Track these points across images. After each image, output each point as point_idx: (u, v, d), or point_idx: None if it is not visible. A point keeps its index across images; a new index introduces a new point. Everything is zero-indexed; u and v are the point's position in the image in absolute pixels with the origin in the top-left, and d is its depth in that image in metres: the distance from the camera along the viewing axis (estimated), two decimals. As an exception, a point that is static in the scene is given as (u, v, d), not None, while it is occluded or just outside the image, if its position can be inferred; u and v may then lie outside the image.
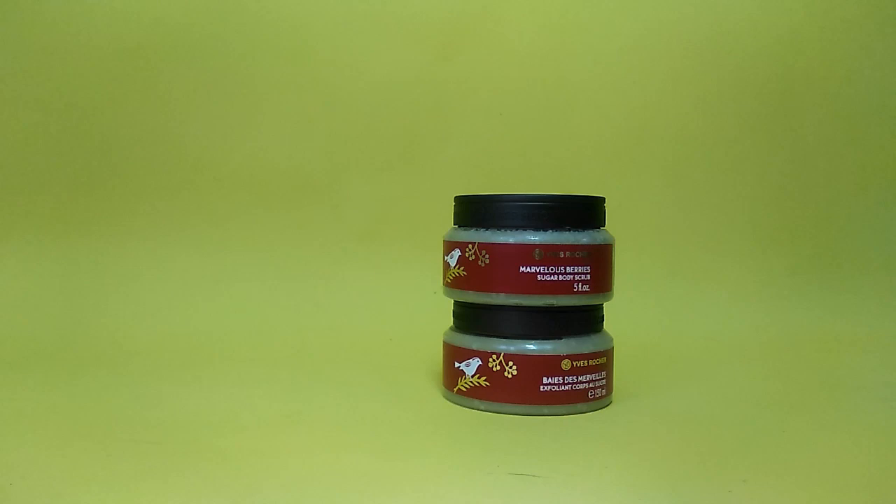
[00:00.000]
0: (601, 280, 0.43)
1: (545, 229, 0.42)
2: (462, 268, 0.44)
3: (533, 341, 0.42)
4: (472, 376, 0.43)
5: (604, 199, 0.45)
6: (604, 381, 0.44)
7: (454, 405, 0.44)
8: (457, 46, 0.79)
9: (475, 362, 0.43)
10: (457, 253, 0.44)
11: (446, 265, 0.46)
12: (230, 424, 0.40)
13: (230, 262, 0.72)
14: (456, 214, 0.46)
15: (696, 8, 0.81)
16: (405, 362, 0.55)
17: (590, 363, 0.43)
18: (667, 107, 0.81)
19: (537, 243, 0.42)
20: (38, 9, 0.74)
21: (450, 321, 0.47)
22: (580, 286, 0.42)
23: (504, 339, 0.43)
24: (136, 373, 0.52)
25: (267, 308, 0.69)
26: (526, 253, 0.42)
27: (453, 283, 0.45)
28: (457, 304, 0.46)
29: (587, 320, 0.44)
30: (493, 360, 0.43)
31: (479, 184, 0.70)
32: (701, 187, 0.81)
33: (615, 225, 0.47)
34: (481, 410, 0.43)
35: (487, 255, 0.43)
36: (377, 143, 0.76)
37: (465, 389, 0.44)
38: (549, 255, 0.42)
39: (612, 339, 0.45)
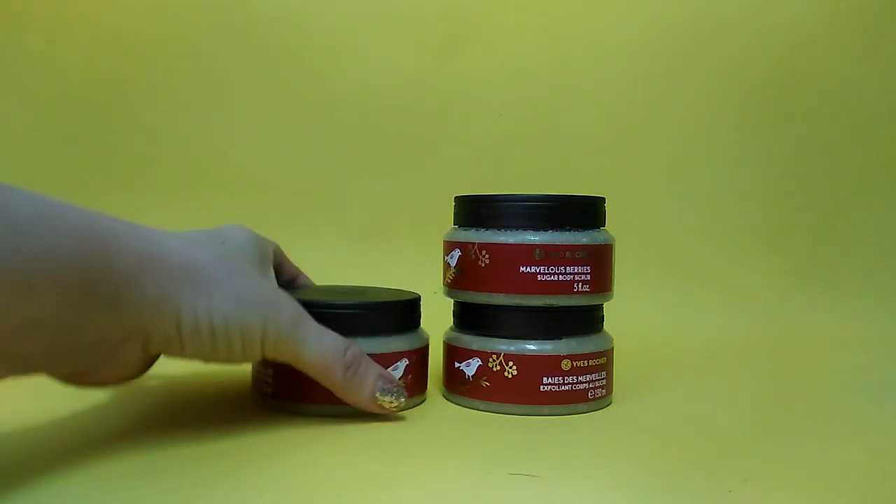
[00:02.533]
0: (601, 280, 0.43)
1: (545, 229, 0.42)
2: (462, 268, 0.44)
3: (533, 341, 0.42)
4: (473, 376, 0.43)
5: (604, 199, 0.45)
6: (604, 381, 0.44)
7: (454, 405, 0.44)
8: (457, 46, 0.79)
9: (475, 362, 0.43)
10: (457, 253, 0.44)
11: (446, 265, 0.45)
12: (231, 424, 0.40)
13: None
14: (456, 214, 0.46)
15: (696, 8, 0.81)
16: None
17: (590, 363, 0.43)
18: (667, 107, 0.81)
19: (537, 243, 0.42)
20: (39, 9, 0.74)
21: (450, 321, 0.47)
22: (580, 286, 0.42)
23: (504, 339, 0.43)
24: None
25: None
26: (526, 253, 0.42)
27: (453, 283, 0.45)
28: (457, 304, 0.46)
29: (587, 320, 0.44)
30: (493, 360, 0.42)
31: (479, 184, 0.70)
32: (701, 187, 0.81)
33: (615, 225, 0.47)
34: (481, 410, 0.43)
35: (487, 255, 0.43)
36: (377, 143, 0.76)
37: (465, 390, 0.44)
38: (549, 255, 0.42)
39: (612, 339, 0.45)
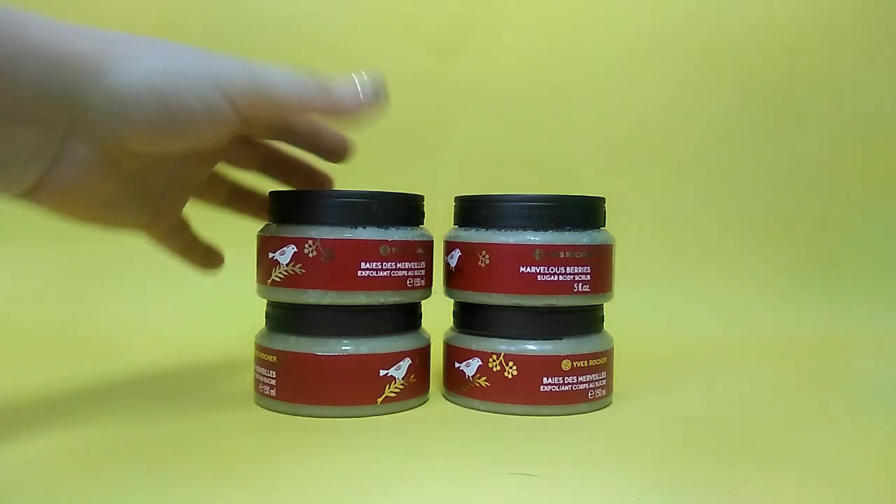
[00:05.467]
0: (601, 280, 0.43)
1: (545, 229, 0.42)
2: (461, 268, 0.44)
3: (533, 341, 0.42)
4: (473, 377, 0.43)
5: (604, 199, 0.45)
6: (604, 381, 0.44)
7: (454, 405, 0.44)
8: (458, 46, 0.79)
9: (475, 362, 0.43)
10: (457, 253, 0.44)
11: (446, 265, 0.46)
12: (231, 423, 0.40)
13: (229, 262, 0.72)
14: (456, 214, 0.46)
15: (697, 8, 0.81)
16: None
17: (590, 363, 0.43)
18: (668, 107, 0.81)
19: (537, 243, 0.42)
20: (37, 9, 0.74)
21: (450, 321, 0.47)
22: (580, 286, 0.42)
23: (504, 340, 0.43)
24: (136, 371, 0.52)
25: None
26: (526, 253, 0.42)
27: (453, 283, 0.45)
28: (457, 304, 0.46)
29: (587, 320, 0.44)
30: (493, 361, 0.43)
31: (480, 184, 0.70)
32: (701, 187, 0.81)
33: (615, 225, 0.47)
34: (481, 410, 0.43)
35: (487, 255, 0.43)
36: (377, 143, 0.76)
37: (465, 390, 0.44)
38: (550, 255, 0.42)
39: (612, 340, 0.45)
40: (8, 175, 0.32)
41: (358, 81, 0.36)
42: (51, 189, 0.34)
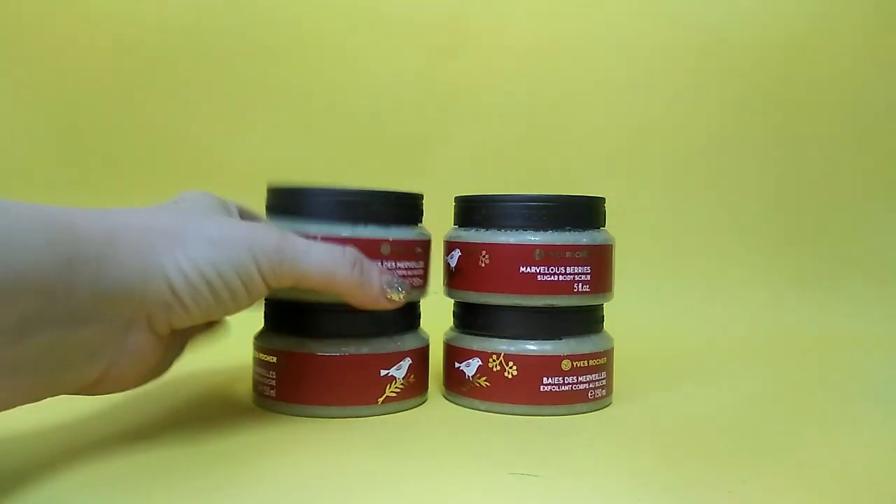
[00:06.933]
0: (601, 280, 0.43)
1: (545, 229, 0.42)
2: (461, 268, 0.44)
3: (533, 341, 0.42)
4: (473, 377, 0.43)
5: (604, 199, 0.45)
6: (604, 381, 0.44)
7: (454, 405, 0.44)
8: (458, 47, 0.79)
9: (475, 362, 0.43)
10: (457, 253, 0.44)
11: (446, 265, 0.46)
12: (231, 425, 0.40)
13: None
14: (456, 214, 0.46)
15: (698, 11, 0.81)
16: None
17: (590, 363, 0.43)
18: (668, 108, 0.81)
19: (537, 243, 0.42)
20: (39, 9, 0.74)
21: (450, 321, 0.47)
22: (580, 286, 0.42)
23: (504, 340, 0.43)
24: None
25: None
26: (526, 253, 0.42)
27: (453, 284, 0.45)
28: (457, 304, 0.46)
29: (587, 320, 0.44)
30: (494, 361, 0.43)
31: (480, 184, 0.70)
32: (701, 188, 0.81)
33: (615, 225, 0.47)
34: (481, 410, 0.43)
35: (487, 256, 0.43)
36: (377, 143, 0.77)
37: (465, 390, 0.44)
38: (550, 255, 0.42)
39: (612, 340, 0.45)
40: (71, 373, 0.32)
41: (387, 285, 0.39)
42: (113, 381, 0.34)
